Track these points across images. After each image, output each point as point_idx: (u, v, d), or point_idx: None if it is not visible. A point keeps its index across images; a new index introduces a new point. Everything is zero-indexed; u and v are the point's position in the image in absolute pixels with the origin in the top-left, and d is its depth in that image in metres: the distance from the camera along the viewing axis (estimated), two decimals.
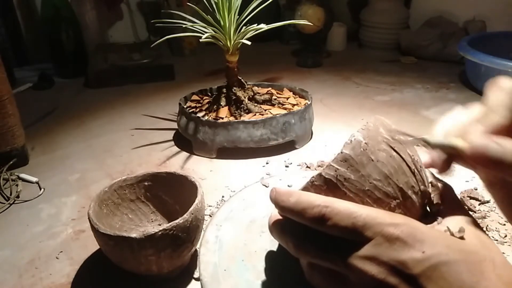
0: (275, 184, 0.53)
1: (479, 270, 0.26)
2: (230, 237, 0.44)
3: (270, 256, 0.41)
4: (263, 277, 0.39)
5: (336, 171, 0.30)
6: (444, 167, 0.31)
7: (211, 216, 0.51)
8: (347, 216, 0.28)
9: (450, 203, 0.33)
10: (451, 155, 0.31)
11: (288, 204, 0.30)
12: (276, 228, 0.32)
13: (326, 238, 0.29)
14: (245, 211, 0.48)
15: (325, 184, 0.30)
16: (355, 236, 0.27)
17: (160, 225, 0.48)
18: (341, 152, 0.30)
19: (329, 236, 0.29)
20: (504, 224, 0.49)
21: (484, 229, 0.48)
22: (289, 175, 0.56)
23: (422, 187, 0.32)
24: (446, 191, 0.34)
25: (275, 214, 0.33)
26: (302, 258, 0.31)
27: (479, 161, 0.26)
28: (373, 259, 0.27)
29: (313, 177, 0.31)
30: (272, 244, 0.43)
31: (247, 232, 0.45)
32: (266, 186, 0.53)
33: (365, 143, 0.30)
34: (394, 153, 0.31)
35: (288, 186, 0.53)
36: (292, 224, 0.31)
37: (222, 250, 0.42)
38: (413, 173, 0.31)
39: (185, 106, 0.72)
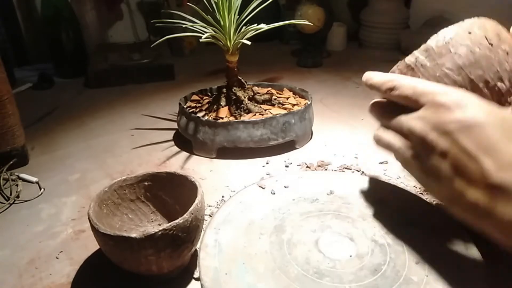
0: (271, 185, 0.53)
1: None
2: (229, 240, 0.43)
3: (271, 258, 0.41)
4: (264, 279, 0.39)
5: (416, 58, 0.38)
6: None
7: (211, 216, 0.51)
8: (411, 87, 0.35)
9: None
10: None
11: (372, 82, 0.40)
12: (372, 105, 0.42)
13: (396, 109, 0.37)
14: (243, 213, 0.48)
15: (405, 68, 0.39)
16: (414, 103, 0.35)
17: (160, 225, 0.48)
18: (425, 43, 0.37)
19: (399, 108, 0.36)
20: None
21: None
22: (285, 175, 0.56)
23: (499, 83, 0.35)
24: None
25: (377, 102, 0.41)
26: (382, 123, 0.40)
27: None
28: (421, 118, 0.34)
29: (399, 62, 0.39)
30: (272, 246, 0.43)
31: (246, 234, 0.45)
32: (262, 188, 0.53)
33: (450, 37, 0.36)
34: (477, 49, 0.35)
35: (285, 187, 0.53)
36: (380, 103, 0.40)
37: (222, 254, 0.41)
38: (495, 70, 0.35)
39: (185, 106, 0.72)
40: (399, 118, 0.36)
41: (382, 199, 0.50)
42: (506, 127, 0.30)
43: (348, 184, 0.53)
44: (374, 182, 0.54)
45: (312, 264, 0.40)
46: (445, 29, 0.37)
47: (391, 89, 0.37)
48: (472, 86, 0.35)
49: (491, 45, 0.35)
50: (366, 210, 0.48)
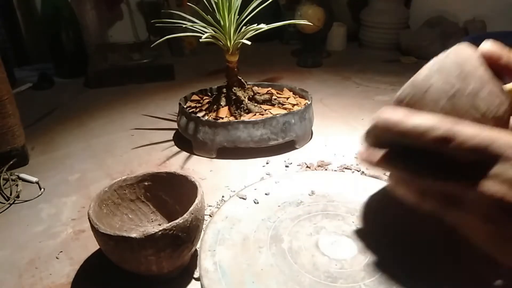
0: (251, 195, 0.52)
1: None
2: (229, 261, 0.41)
3: (279, 271, 0.40)
4: None
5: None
6: None
7: (211, 216, 0.51)
8: (474, 135, 0.28)
9: None
10: None
11: (409, 126, 0.29)
12: (384, 160, 0.32)
13: (444, 161, 0.29)
14: (233, 229, 0.46)
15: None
16: (480, 155, 0.28)
17: (160, 225, 0.48)
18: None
19: (447, 159, 0.29)
20: None
21: None
22: (262, 182, 0.55)
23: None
24: None
25: (368, 150, 0.33)
26: (421, 185, 0.31)
27: None
28: (497, 177, 0.27)
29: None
30: (275, 258, 0.41)
31: (244, 251, 0.43)
32: (244, 199, 0.51)
33: (410, 97, 0.31)
34: (444, 103, 0.31)
35: (266, 194, 0.52)
36: (402, 152, 0.31)
37: (227, 277, 0.39)
38: (471, 118, 0.31)
39: (185, 106, 0.72)
40: (459, 176, 0.29)
41: (359, 193, 0.51)
42: None
43: (325, 182, 0.53)
44: (344, 176, 0.55)
45: (321, 269, 0.40)
46: (404, 86, 0.32)
47: (447, 139, 0.28)
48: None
49: (455, 93, 0.31)
50: (351, 205, 0.49)
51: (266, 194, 0.52)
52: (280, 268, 0.40)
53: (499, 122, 0.31)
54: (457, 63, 0.31)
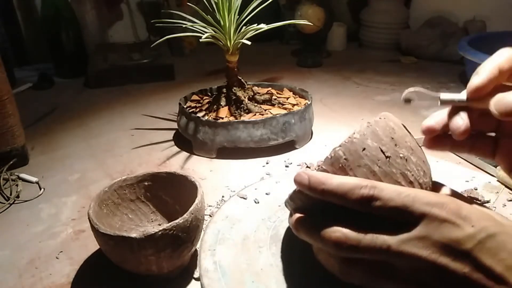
0: (252, 194, 0.52)
1: None
2: (229, 261, 0.41)
3: (278, 271, 0.40)
4: None
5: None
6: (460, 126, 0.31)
7: (211, 216, 0.51)
8: (396, 196, 0.27)
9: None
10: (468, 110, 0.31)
11: (331, 187, 0.29)
12: (304, 225, 0.31)
13: (368, 225, 0.28)
14: (233, 229, 0.46)
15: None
16: (403, 216, 0.27)
17: (160, 225, 0.48)
18: (320, 167, 0.31)
19: (370, 222, 0.28)
20: None
21: None
22: (262, 182, 0.55)
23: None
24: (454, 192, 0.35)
25: (295, 214, 0.32)
26: (344, 253, 0.29)
27: (500, 110, 0.28)
28: (424, 239, 0.26)
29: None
30: (275, 258, 0.42)
31: (244, 251, 0.43)
32: (244, 198, 0.51)
33: (345, 158, 0.31)
34: (377, 168, 0.30)
35: (266, 194, 0.53)
36: (321, 218, 0.30)
37: (227, 277, 0.39)
38: (400, 184, 0.31)
39: (185, 106, 0.72)
40: (376, 240, 0.27)
41: None
42: (507, 232, 0.27)
43: None
44: None
45: (320, 270, 0.39)
46: (336, 147, 0.31)
47: (368, 198, 0.28)
48: None
49: (389, 157, 0.31)
50: None
51: (266, 194, 0.52)
52: (279, 268, 0.40)
53: (424, 188, 0.32)
54: (389, 128, 0.32)
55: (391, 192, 0.28)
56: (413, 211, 0.27)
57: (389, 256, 0.27)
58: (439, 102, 0.32)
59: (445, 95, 0.32)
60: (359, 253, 0.28)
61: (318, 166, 0.31)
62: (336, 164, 0.31)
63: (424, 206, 0.27)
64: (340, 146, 0.31)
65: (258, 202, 0.51)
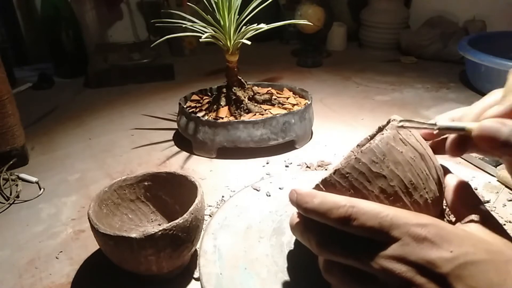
0: (266, 187, 0.53)
1: (505, 269, 0.26)
2: (228, 246, 0.43)
3: (272, 262, 0.41)
4: (267, 284, 0.38)
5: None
6: (455, 149, 0.31)
7: (211, 216, 0.51)
8: (373, 216, 0.28)
9: (467, 202, 0.32)
10: (462, 139, 0.30)
11: (312, 206, 0.30)
12: (299, 228, 0.32)
13: (351, 238, 0.29)
14: (240, 217, 0.48)
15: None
16: (381, 236, 0.27)
17: (160, 225, 0.48)
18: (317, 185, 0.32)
19: (354, 235, 0.29)
20: (504, 224, 0.48)
21: None
22: (280, 177, 0.55)
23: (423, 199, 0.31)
24: (463, 189, 0.33)
25: (296, 214, 0.33)
26: (325, 257, 0.30)
27: (486, 141, 0.27)
28: (401, 258, 0.27)
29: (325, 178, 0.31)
30: (273, 249, 0.42)
31: (245, 239, 0.44)
32: (257, 190, 0.52)
33: (353, 177, 0.30)
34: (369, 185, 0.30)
35: (280, 188, 0.53)
36: (316, 223, 0.31)
37: (223, 260, 0.41)
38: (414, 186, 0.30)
39: (185, 106, 0.72)
40: (363, 255, 0.28)
41: None
42: (495, 260, 0.26)
43: None
44: None
45: (316, 266, 0.39)
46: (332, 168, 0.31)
47: (346, 218, 0.28)
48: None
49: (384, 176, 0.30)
50: None
51: (280, 188, 0.53)
52: (274, 259, 0.41)
53: (426, 208, 0.31)
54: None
55: (369, 211, 0.28)
56: (389, 232, 0.27)
57: (367, 268, 0.28)
58: (435, 131, 0.30)
59: (442, 121, 0.30)
60: (340, 259, 0.29)
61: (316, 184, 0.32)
62: (328, 185, 0.31)
63: (402, 227, 0.27)
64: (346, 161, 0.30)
65: (270, 195, 0.52)
